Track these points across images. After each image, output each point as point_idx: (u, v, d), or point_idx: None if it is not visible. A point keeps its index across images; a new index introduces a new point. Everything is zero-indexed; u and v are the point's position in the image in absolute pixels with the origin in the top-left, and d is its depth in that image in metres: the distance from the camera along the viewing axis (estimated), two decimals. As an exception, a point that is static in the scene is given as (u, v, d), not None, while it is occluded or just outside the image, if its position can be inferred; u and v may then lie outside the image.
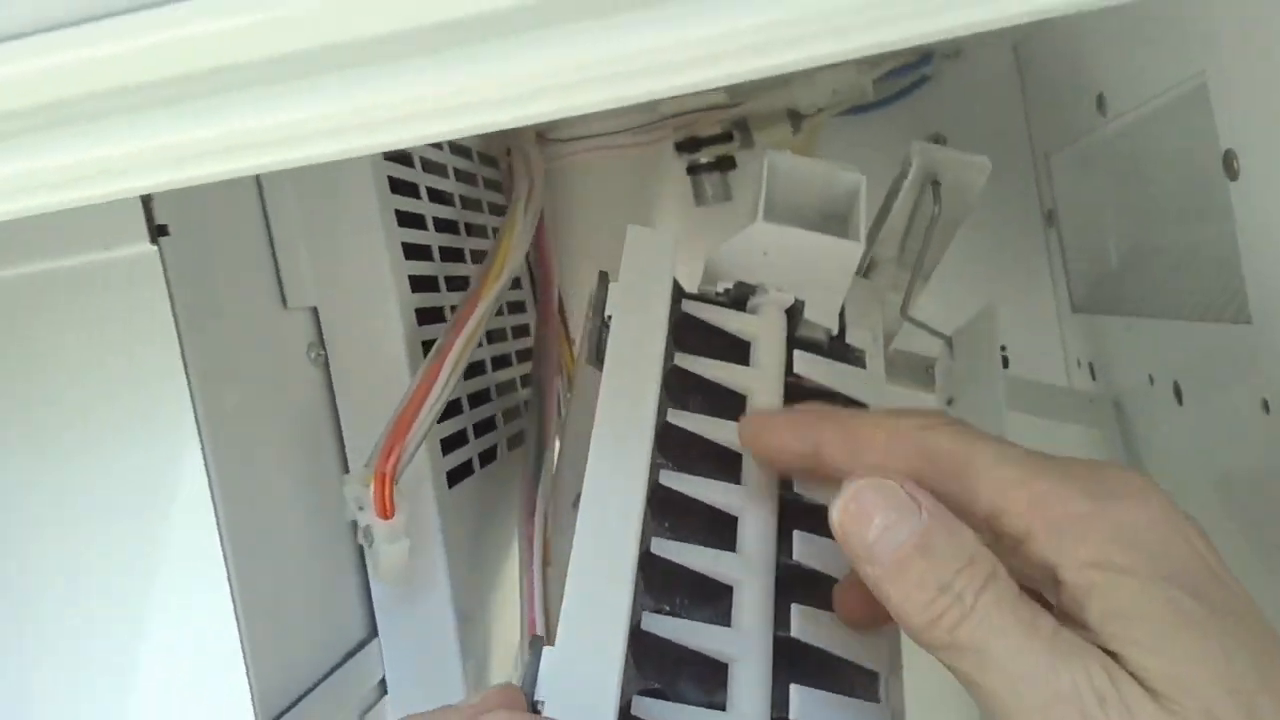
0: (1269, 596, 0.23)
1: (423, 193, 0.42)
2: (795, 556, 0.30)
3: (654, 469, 0.31)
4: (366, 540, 0.34)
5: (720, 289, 0.37)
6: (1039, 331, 0.56)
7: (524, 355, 0.52)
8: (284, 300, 0.36)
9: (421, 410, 0.33)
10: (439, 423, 0.37)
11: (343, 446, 0.38)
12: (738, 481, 0.31)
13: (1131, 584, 0.21)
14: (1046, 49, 0.50)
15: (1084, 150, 0.46)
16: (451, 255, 0.44)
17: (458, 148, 0.47)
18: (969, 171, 0.39)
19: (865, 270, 0.45)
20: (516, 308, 0.53)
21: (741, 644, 0.29)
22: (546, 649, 0.27)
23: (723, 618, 0.29)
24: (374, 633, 0.38)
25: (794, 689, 0.28)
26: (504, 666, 0.43)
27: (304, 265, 0.37)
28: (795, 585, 0.30)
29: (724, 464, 0.32)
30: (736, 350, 0.35)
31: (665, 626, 0.28)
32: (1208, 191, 0.34)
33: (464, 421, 0.42)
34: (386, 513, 0.32)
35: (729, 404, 0.33)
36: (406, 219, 0.40)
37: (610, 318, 0.33)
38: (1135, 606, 0.21)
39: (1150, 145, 0.40)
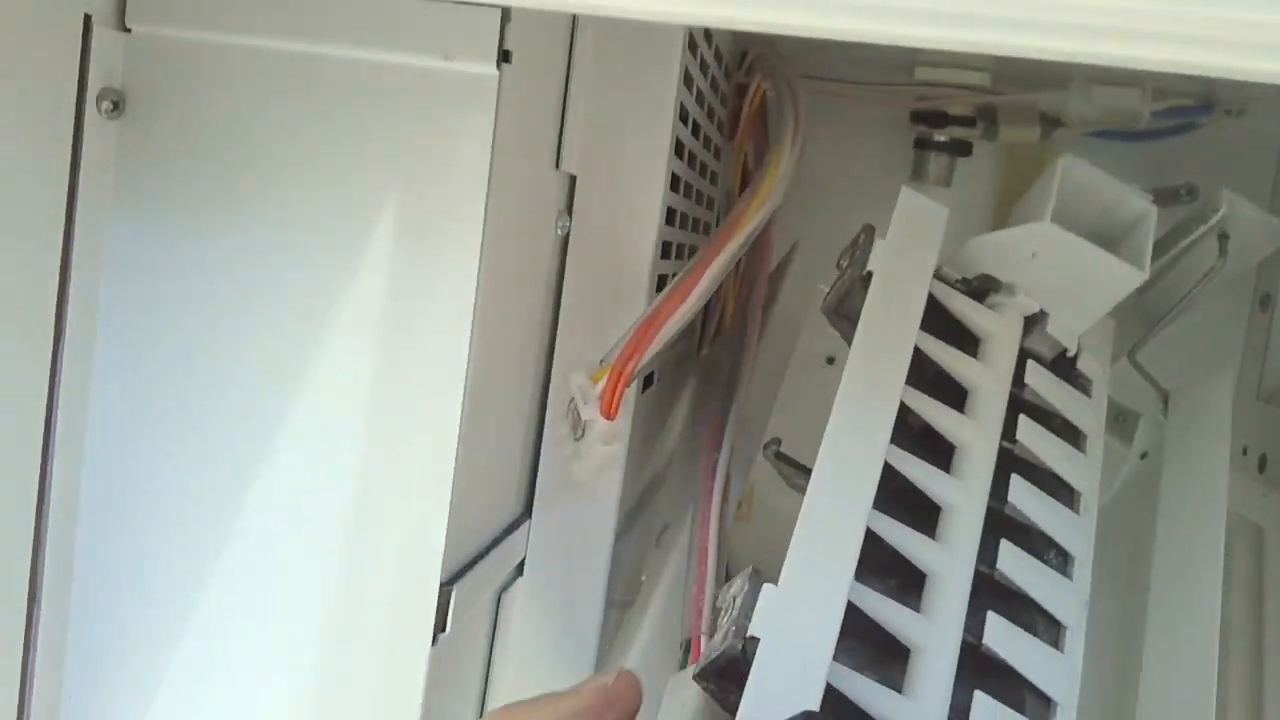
0: None
1: (695, 91, 0.41)
2: (998, 565, 0.30)
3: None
4: (577, 432, 0.34)
5: (960, 277, 0.36)
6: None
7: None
8: (558, 160, 0.35)
9: (670, 320, 0.33)
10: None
11: (554, 324, 0.37)
12: (947, 469, 0.32)
13: None
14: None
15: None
16: (692, 163, 0.43)
17: (718, 51, 0.45)
18: (1265, 234, 0.37)
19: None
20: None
21: (933, 635, 0.29)
22: (768, 585, 0.27)
23: (912, 603, 0.29)
24: (528, 513, 0.38)
25: (978, 695, 0.28)
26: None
27: (581, 128, 0.35)
28: (992, 594, 0.30)
29: (931, 445, 0.32)
30: (965, 341, 0.35)
31: (866, 599, 0.29)
32: None
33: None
34: (612, 412, 0.32)
35: (945, 390, 0.33)
36: (682, 114, 0.38)
37: (871, 273, 0.32)
38: None
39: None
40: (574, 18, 0.34)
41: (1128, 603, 0.39)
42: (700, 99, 0.43)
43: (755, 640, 0.26)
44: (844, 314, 0.34)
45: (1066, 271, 0.35)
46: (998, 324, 0.35)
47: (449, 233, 0.29)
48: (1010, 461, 0.32)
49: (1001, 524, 0.31)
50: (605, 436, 0.33)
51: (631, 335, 0.33)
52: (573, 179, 0.36)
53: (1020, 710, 0.29)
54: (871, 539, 0.29)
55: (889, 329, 0.32)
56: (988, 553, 0.30)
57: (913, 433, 0.33)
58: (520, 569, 0.39)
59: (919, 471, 0.31)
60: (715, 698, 0.28)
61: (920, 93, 0.52)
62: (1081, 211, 0.35)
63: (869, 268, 0.33)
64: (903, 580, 0.30)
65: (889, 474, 0.31)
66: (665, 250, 0.41)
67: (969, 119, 0.53)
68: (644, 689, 0.27)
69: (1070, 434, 0.35)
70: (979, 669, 0.29)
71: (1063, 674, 0.30)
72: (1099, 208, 0.36)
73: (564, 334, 0.37)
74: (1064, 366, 0.36)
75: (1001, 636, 0.29)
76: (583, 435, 0.33)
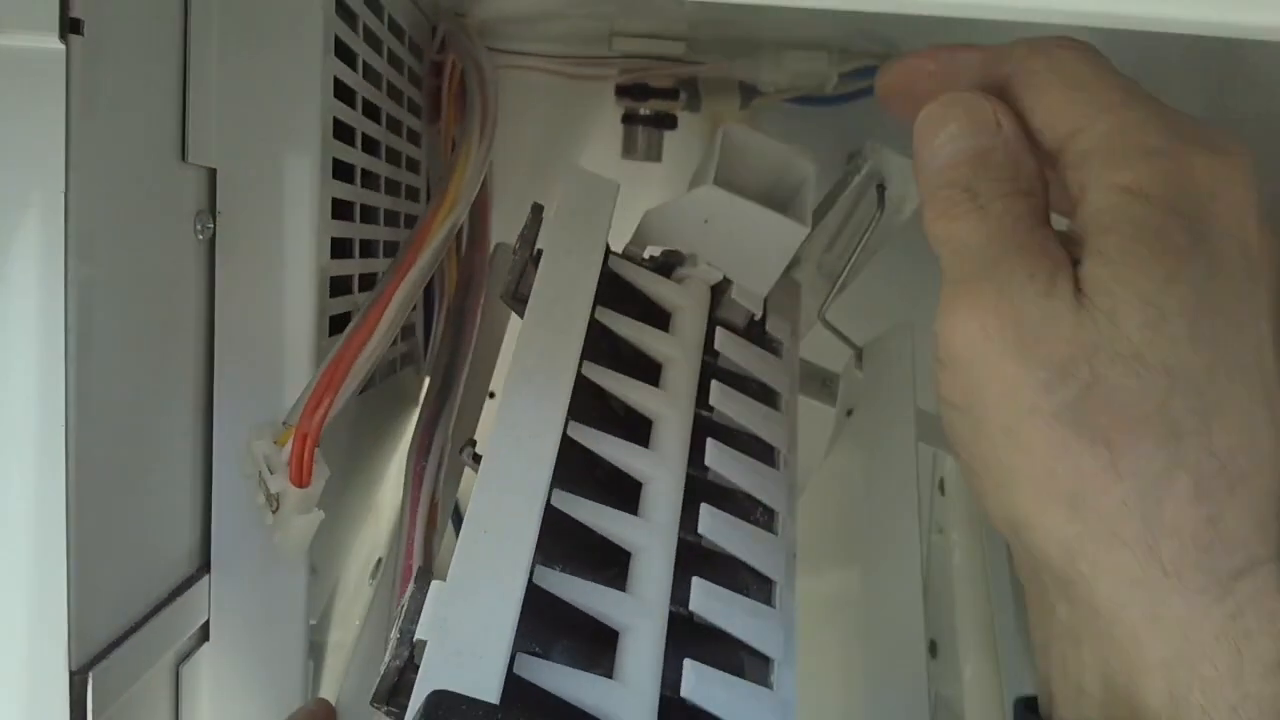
0: None
1: (360, 67, 0.38)
2: (700, 530, 0.30)
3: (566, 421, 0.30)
4: (270, 505, 0.30)
5: (648, 254, 0.37)
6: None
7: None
8: (184, 150, 0.31)
9: (360, 358, 0.30)
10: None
11: (210, 342, 0.34)
12: (646, 445, 0.31)
13: (1138, 207, 0.21)
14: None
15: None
16: (370, 148, 0.41)
17: (393, 24, 0.43)
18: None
19: (788, 266, 0.45)
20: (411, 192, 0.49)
21: (637, 612, 0.28)
22: (435, 583, 0.26)
23: (619, 585, 0.29)
24: (205, 568, 0.35)
25: (687, 664, 0.27)
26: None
27: (215, 112, 0.32)
28: (696, 560, 0.30)
29: (633, 426, 0.32)
30: (656, 318, 0.35)
31: (559, 584, 0.27)
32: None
33: None
34: (304, 479, 0.29)
35: (642, 369, 0.33)
36: (341, 91, 0.35)
37: (540, 252, 0.32)
38: (1121, 221, 0.21)
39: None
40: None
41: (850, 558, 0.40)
42: (375, 77, 0.40)
43: (423, 644, 0.25)
44: (522, 298, 0.32)
45: (738, 235, 0.35)
46: (684, 296, 0.35)
47: (27, 240, 0.25)
48: (707, 428, 0.33)
49: (703, 490, 0.31)
50: (301, 505, 0.30)
51: (316, 383, 0.30)
52: (212, 173, 0.33)
53: (740, 673, 0.29)
54: (560, 520, 0.28)
55: (559, 303, 0.31)
56: (690, 521, 0.30)
57: (608, 413, 0.32)
58: (205, 633, 0.35)
59: (609, 447, 0.30)
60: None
61: (622, 66, 0.51)
62: (751, 178, 0.36)
63: (539, 246, 0.32)
64: (600, 562, 0.29)
65: (580, 455, 0.30)
66: (347, 249, 0.38)
67: (671, 91, 0.53)
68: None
69: (765, 395, 0.35)
70: (692, 639, 0.28)
71: (778, 629, 0.30)
72: (768, 173, 0.37)
73: (223, 355, 0.34)
74: (754, 331, 0.37)
75: (709, 600, 0.29)
76: (278, 507, 0.30)
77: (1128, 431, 0.20)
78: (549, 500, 0.28)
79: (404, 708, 0.25)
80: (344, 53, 0.36)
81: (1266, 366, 0.21)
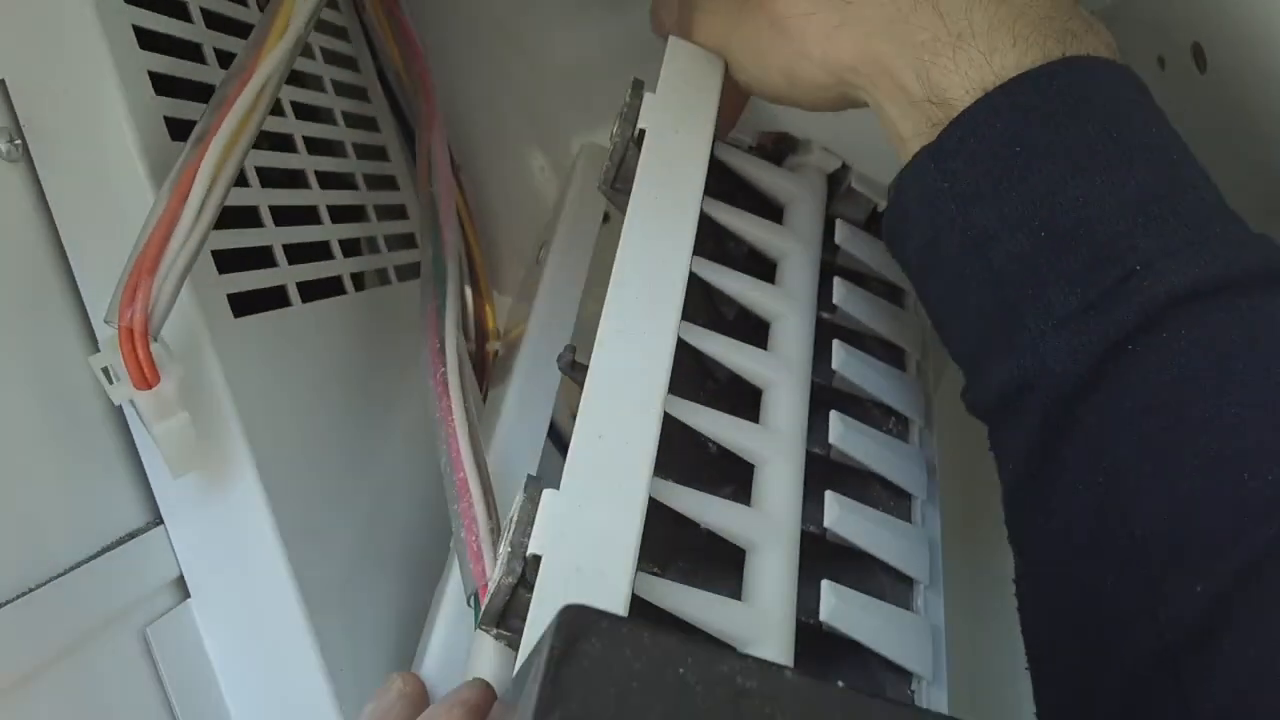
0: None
1: None
2: (831, 440, 0.28)
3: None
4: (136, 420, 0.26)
5: (753, 142, 0.35)
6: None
7: (381, 181, 0.44)
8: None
9: (174, 233, 0.26)
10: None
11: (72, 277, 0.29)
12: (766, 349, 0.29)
13: None
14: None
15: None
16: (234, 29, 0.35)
17: None
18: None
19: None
20: (363, 123, 0.44)
21: (767, 529, 0.25)
22: (548, 492, 0.23)
23: (743, 501, 0.26)
24: (156, 519, 0.30)
25: (826, 585, 0.25)
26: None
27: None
28: (827, 474, 0.28)
29: (749, 331, 0.29)
30: (768, 210, 0.32)
31: (679, 498, 0.25)
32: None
33: (269, 237, 0.34)
34: (145, 380, 0.25)
35: (755, 268, 0.31)
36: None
37: (643, 132, 0.29)
38: None
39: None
40: None
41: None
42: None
43: (538, 559, 0.22)
44: (622, 188, 0.29)
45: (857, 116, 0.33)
46: (799, 185, 0.33)
47: None
48: (830, 330, 0.30)
49: (830, 398, 0.29)
50: (158, 410, 0.26)
51: (128, 271, 0.25)
52: (1, 83, 0.28)
53: (881, 597, 0.26)
54: (676, 431, 0.25)
55: (668, 189, 0.28)
56: (818, 432, 0.28)
57: (721, 318, 0.30)
58: (184, 589, 0.29)
59: (726, 349, 0.28)
60: (513, 645, 0.23)
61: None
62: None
63: (640, 126, 0.29)
64: (720, 477, 0.27)
65: (694, 360, 0.27)
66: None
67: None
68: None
69: (891, 293, 0.34)
70: (827, 560, 0.26)
71: (921, 548, 0.28)
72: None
73: (84, 276, 0.29)
74: (877, 225, 0.34)
75: (844, 516, 0.26)
76: (142, 421, 0.26)
77: None
78: (664, 408, 0.25)
79: (517, 630, 0.22)
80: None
81: None
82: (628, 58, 0.40)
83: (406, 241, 0.44)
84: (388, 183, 0.44)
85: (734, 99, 0.32)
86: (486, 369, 0.43)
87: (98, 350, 0.27)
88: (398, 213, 0.44)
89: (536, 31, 0.50)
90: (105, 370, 0.26)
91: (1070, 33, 0.25)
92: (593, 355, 0.25)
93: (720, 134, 0.34)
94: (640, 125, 0.29)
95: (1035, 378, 0.23)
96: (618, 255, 0.27)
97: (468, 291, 0.44)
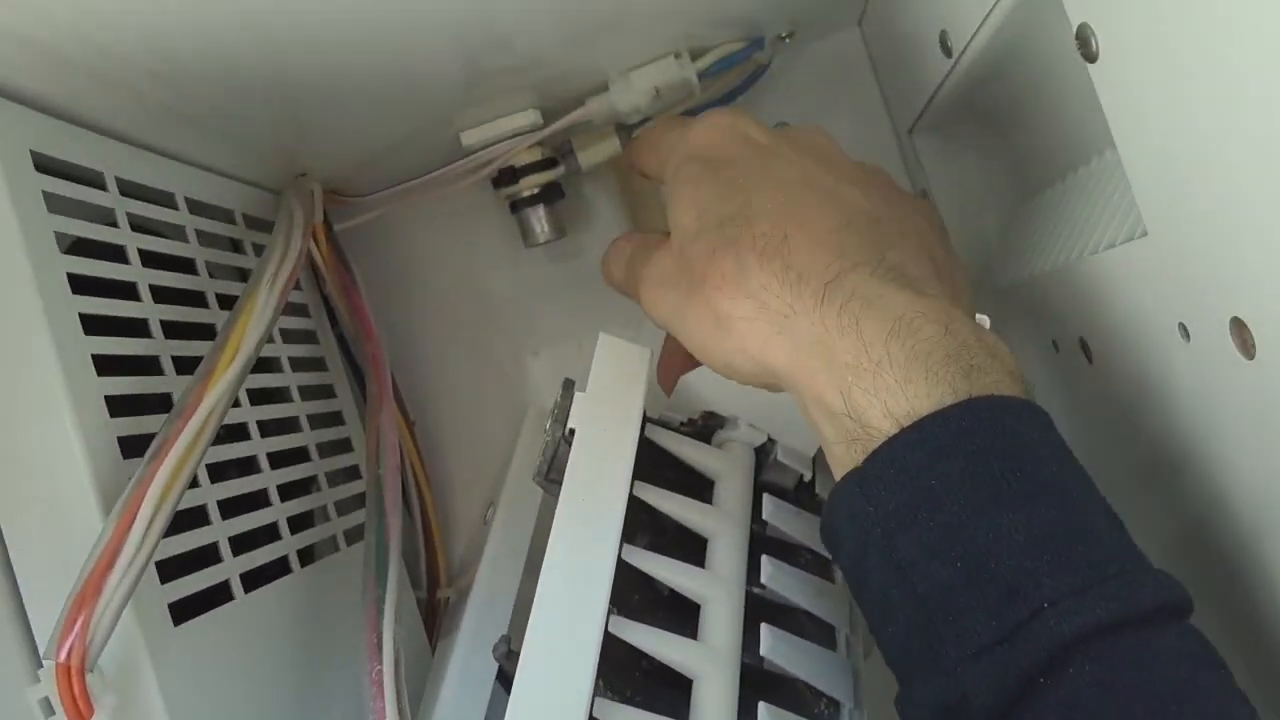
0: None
1: (132, 256, 0.35)
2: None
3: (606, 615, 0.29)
4: None
5: (683, 420, 0.37)
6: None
7: (335, 447, 0.45)
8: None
9: (118, 561, 0.27)
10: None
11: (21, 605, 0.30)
12: (694, 637, 0.30)
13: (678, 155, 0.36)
14: (885, 10, 0.46)
15: (940, 111, 0.44)
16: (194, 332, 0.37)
17: (207, 207, 0.41)
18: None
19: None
20: (320, 392, 0.45)
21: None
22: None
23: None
24: None
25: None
26: None
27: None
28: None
29: (681, 610, 0.31)
30: (698, 486, 0.34)
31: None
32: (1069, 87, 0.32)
33: (215, 534, 0.34)
34: (80, 715, 0.26)
35: (686, 542, 0.32)
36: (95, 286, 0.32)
37: (573, 431, 0.32)
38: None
39: (1000, 64, 0.38)
40: None
41: None
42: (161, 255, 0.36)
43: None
44: (555, 479, 0.32)
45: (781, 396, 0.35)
46: (726, 462, 0.35)
47: None
48: (759, 606, 0.32)
49: (759, 683, 0.30)
50: None
51: (66, 610, 0.26)
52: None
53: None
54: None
55: (596, 486, 0.31)
56: (746, 712, 0.29)
57: (654, 597, 0.31)
58: None
59: (655, 641, 0.29)
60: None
61: (483, 159, 0.48)
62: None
63: (570, 425, 0.32)
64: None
65: (624, 651, 0.29)
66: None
67: (546, 161, 0.49)
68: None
69: (819, 566, 0.35)
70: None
71: (844, 677, 0.30)
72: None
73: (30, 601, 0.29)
74: (804, 494, 0.37)
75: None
76: None
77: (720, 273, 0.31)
78: (591, 712, 0.27)
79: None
80: (74, 209, 0.32)
81: None
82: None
83: (358, 501, 0.44)
84: (335, 418, 0.45)
85: (681, 357, 0.36)
86: (438, 616, 0.46)
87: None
88: (344, 446, 0.45)
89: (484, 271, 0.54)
90: (44, 700, 0.27)
91: (976, 368, 0.28)
92: (523, 646, 0.27)
93: (667, 390, 0.38)
94: (570, 425, 0.31)
95: (957, 704, 0.25)
96: (548, 549, 0.29)
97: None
